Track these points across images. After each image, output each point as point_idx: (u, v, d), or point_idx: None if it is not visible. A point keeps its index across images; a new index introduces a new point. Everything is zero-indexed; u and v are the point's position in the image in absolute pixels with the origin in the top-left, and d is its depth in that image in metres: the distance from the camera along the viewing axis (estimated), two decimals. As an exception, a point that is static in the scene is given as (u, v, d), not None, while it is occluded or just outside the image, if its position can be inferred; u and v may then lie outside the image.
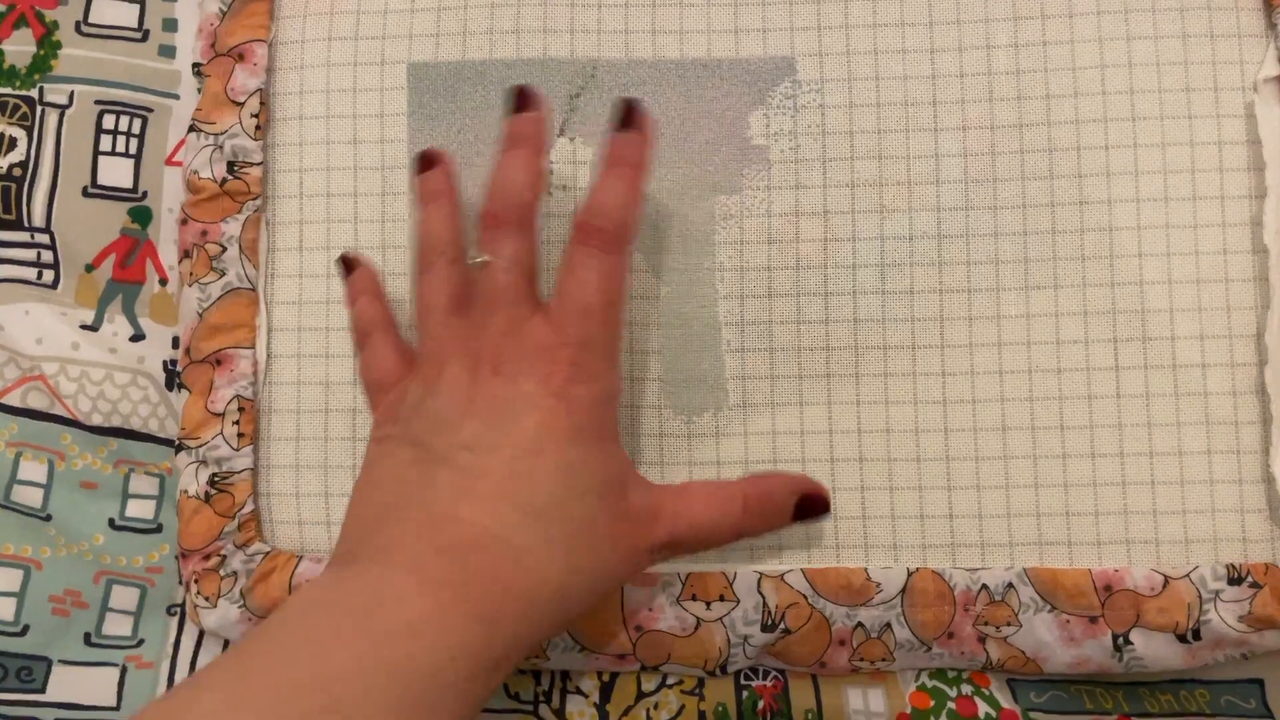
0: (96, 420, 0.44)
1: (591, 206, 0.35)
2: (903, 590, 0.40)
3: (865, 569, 0.40)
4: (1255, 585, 0.38)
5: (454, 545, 0.30)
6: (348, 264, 0.41)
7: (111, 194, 0.46)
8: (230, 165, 0.43)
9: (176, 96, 0.47)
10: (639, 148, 0.36)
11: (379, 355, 0.38)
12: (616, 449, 0.34)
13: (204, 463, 0.42)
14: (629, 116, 0.36)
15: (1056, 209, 0.42)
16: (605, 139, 0.36)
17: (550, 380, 0.32)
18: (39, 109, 0.46)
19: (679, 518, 0.35)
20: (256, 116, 0.44)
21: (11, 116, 0.46)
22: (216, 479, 0.42)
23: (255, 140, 0.44)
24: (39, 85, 0.46)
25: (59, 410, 0.44)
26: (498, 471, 0.31)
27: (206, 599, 0.41)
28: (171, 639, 0.43)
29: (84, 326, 0.45)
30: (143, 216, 0.46)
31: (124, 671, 0.43)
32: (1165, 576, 0.39)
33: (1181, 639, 0.39)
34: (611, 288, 0.34)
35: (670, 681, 0.42)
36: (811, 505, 0.37)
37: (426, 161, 0.39)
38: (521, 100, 0.37)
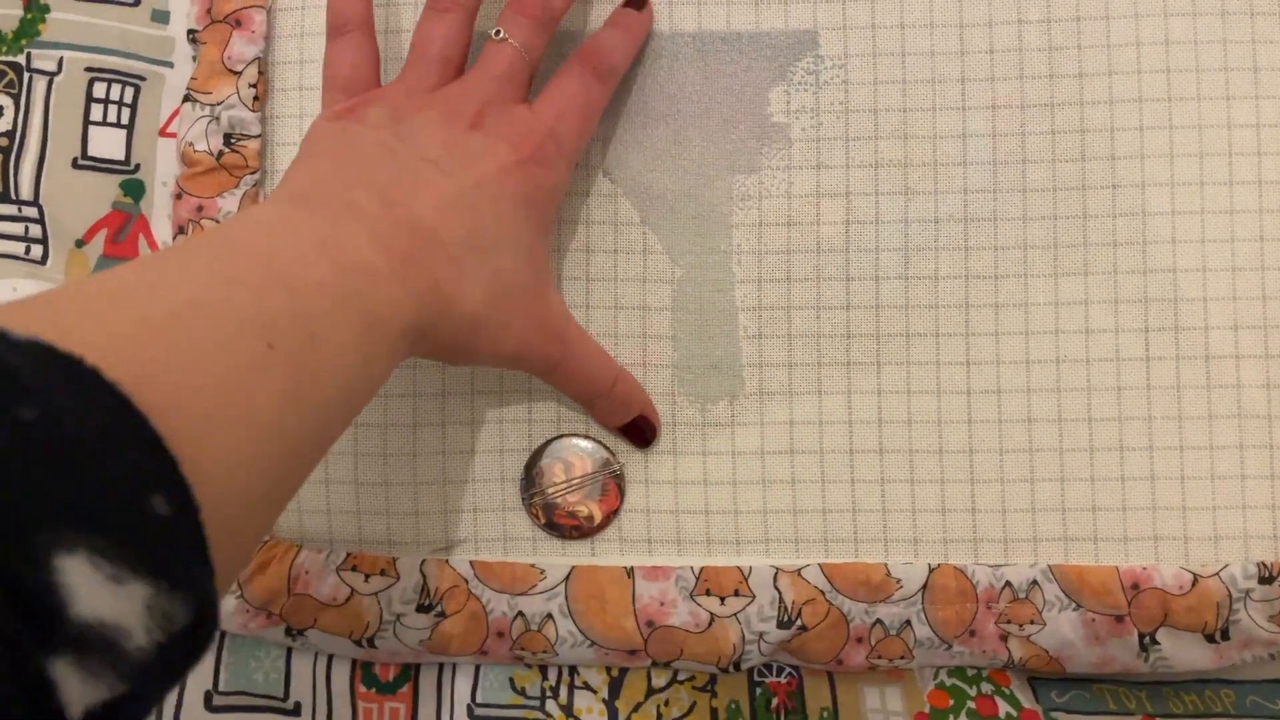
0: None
1: (594, 42, 0.39)
2: (923, 587, 0.39)
3: (885, 564, 0.39)
4: (1287, 585, 0.37)
5: (407, 228, 0.31)
6: None
7: (103, 166, 0.44)
8: (227, 138, 0.42)
9: (170, 64, 0.45)
10: (645, 19, 0.41)
11: (355, 54, 0.38)
12: (547, 250, 0.37)
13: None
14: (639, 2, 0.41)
15: (1088, 192, 0.40)
16: (616, 9, 0.41)
17: (519, 149, 0.35)
18: (26, 76, 0.44)
19: (577, 356, 0.38)
20: (254, 86, 0.42)
21: (-3, 83, 0.44)
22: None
23: (253, 112, 0.42)
24: (26, 51, 0.44)
25: (49, 391, 0.43)
26: (453, 192, 0.33)
27: (203, 589, 0.40)
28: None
29: (74, 304, 0.43)
30: (135, 190, 0.44)
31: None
32: (1194, 575, 0.38)
33: (1210, 639, 0.38)
34: (590, 104, 0.38)
35: (681, 677, 0.40)
36: (640, 428, 0.40)
37: None
38: None
